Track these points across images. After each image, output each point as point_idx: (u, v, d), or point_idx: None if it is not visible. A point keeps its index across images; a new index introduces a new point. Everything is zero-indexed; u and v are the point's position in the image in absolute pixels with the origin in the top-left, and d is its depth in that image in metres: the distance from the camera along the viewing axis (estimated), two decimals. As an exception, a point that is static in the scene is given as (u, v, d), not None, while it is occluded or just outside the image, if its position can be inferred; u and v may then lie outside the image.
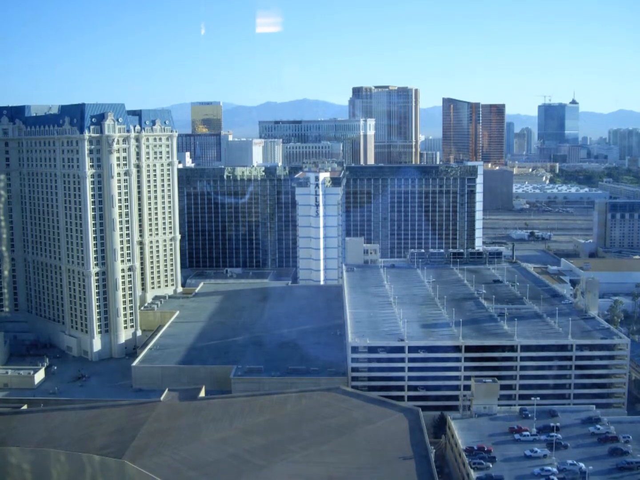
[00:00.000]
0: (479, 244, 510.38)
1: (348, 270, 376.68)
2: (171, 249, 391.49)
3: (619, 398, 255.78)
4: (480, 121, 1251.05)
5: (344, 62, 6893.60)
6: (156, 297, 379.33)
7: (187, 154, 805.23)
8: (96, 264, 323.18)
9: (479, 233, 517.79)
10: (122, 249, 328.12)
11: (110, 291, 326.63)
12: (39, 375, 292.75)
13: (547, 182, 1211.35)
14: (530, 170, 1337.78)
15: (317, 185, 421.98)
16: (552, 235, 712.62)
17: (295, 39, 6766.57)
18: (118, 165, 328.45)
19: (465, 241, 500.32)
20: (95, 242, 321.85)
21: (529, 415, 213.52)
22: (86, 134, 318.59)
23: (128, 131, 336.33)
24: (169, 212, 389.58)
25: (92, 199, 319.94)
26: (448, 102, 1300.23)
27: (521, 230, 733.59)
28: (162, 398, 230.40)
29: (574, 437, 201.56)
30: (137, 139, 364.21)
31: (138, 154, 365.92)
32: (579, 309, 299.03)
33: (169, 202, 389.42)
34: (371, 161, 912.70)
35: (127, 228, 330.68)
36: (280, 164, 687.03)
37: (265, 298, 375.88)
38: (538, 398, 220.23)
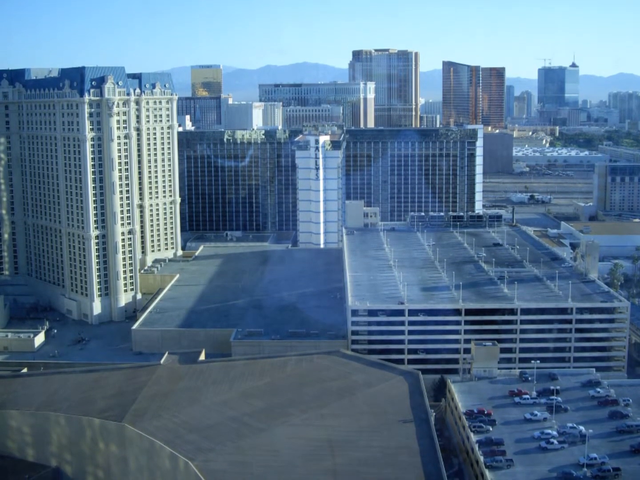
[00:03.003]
0: (479, 207, 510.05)
1: (348, 234, 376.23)
2: (171, 212, 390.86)
3: (619, 361, 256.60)
4: (481, 84, 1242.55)
5: (344, 25, 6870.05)
6: (156, 261, 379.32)
7: (187, 117, 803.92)
8: (96, 227, 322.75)
9: (479, 196, 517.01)
10: (122, 212, 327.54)
11: (110, 254, 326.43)
12: (39, 339, 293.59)
13: (547, 145, 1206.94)
14: (530, 133, 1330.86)
15: (317, 148, 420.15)
16: (552, 199, 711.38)
17: (295, 2, 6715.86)
18: (118, 128, 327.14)
19: (465, 204, 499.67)
20: (95, 205, 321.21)
21: (529, 378, 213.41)
22: (86, 97, 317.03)
23: (128, 94, 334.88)
24: (169, 175, 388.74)
25: (92, 162, 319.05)
26: (448, 66, 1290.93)
27: (521, 194, 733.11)
28: (162, 361, 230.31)
29: (574, 401, 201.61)
30: (137, 102, 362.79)
31: (138, 117, 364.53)
32: (579, 272, 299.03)
33: (169, 165, 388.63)
34: (371, 124, 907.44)
35: (127, 191, 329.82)
36: (280, 127, 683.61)
37: (265, 261, 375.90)
38: (538, 361, 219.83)
